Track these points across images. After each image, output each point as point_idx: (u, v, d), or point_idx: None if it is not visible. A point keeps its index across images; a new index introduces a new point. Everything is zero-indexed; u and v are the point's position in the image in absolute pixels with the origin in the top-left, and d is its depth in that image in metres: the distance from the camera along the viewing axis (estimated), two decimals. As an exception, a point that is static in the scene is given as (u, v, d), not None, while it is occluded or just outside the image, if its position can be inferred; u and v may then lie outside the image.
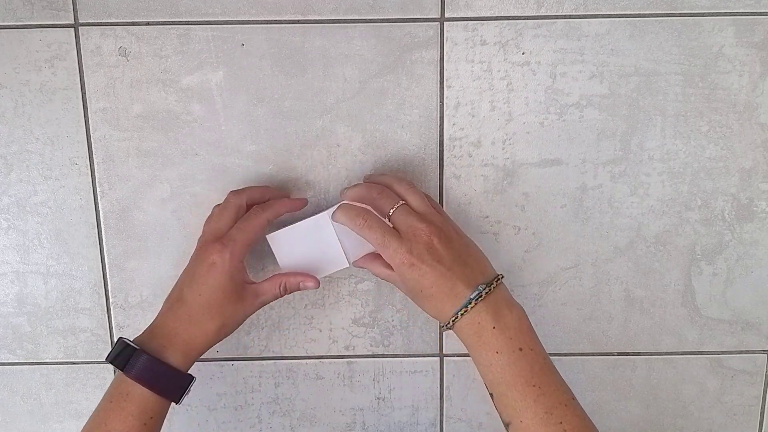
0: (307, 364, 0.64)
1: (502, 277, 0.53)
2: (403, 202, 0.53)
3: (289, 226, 0.56)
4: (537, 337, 0.52)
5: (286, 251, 0.56)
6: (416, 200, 0.54)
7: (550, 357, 0.50)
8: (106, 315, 0.62)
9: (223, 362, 0.64)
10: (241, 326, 0.62)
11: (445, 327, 0.52)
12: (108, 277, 0.61)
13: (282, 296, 0.56)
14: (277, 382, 0.64)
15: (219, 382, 0.64)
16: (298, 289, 0.56)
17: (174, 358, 0.52)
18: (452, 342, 0.63)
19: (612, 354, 0.64)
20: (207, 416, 0.65)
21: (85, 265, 0.61)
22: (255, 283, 0.56)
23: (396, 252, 0.51)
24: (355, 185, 0.56)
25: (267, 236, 0.56)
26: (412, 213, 0.53)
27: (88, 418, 0.52)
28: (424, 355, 0.64)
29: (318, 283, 0.56)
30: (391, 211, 0.53)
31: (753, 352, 0.64)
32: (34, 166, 0.59)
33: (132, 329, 0.62)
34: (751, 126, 0.59)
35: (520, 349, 0.51)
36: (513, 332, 0.51)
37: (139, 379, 0.51)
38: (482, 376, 0.52)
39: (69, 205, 0.60)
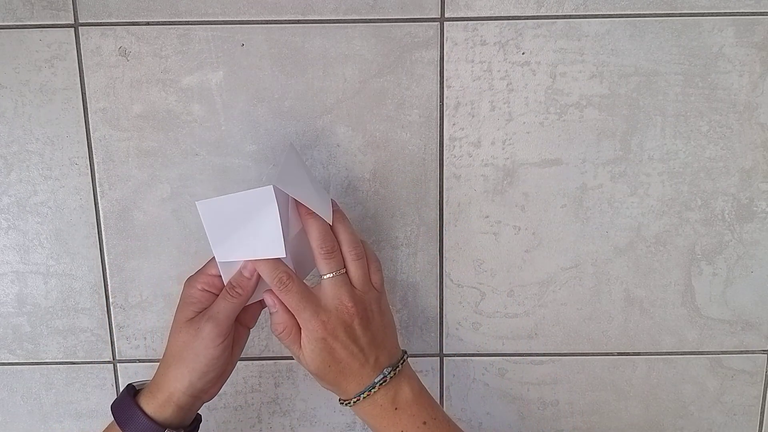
0: (307, 364, 0.64)
1: (407, 355, 0.54)
2: (344, 270, 0.51)
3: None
4: (437, 404, 0.54)
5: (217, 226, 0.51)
6: (357, 273, 0.52)
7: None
8: (106, 315, 0.62)
9: (223, 362, 0.64)
10: (241, 326, 0.63)
11: (343, 403, 0.52)
12: (108, 277, 0.62)
13: (233, 296, 0.51)
14: (277, 382, 0.64)
15: (219, 382, 0.64)
16: (244, 279, 0.51)
17: (144, 400, 0.51)
18: (452, 342, 0.63)
19: (612, 354, 0.64)
20: (207, 416, 0.65)
21: (85, 265, 0.61)
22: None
23: (309, 321, 0.50)
24: (317, 219, 0.52)
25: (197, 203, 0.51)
26: (346, 285, 0.51)
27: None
28: (424, 355, 0.64)
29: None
30: (326, 276, 0.51)
31: (753, 352, 0.64)
32: (34, 166, 0.59)
33: (132, 329, 0.62)
34: (751, 126, 0.59)
35: (424, 423, 0.52)
36: (414, 409, 0.52)
37: (114, 417, 0.51)
38: None
39: (69, 205, 0.60)
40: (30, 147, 0.59)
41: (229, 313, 0.51)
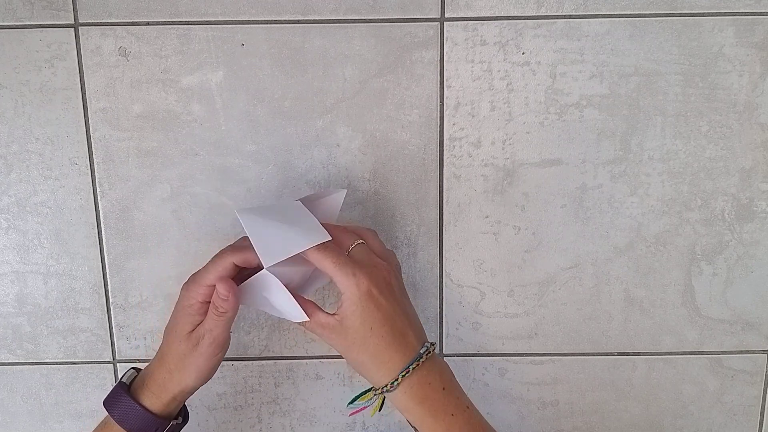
0: (307, 364, 0.64)
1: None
2: (362, 241, 0.52)
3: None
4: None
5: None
6: (375, 242, 0.53)
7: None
8: (106, 315, 0.62)
9: (223, 362, 0.64)
10: (240, 326, 0.63)
11: (387, 387, 0.49)
12: (108, 277, 0.62)
13: (217, 315, 0.50)
14: (277, 382, 0.64)
15: (219, 382, 0.64)
16: (222, 301, 0.50)
17: (148, 400, 0.52)
18: (452, 342, 0.63)
19: (612, 354, 0.64)
20: (207, 416, 0.65)
21: (85, 265, 0.61)
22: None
23: (354, 275, 0.48)
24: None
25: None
26: (372, 252, 0.52)
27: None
28: (424, 355, 0.64)
29: (227, 287, 0.50)
30: (351, 246, 0.51)
31: (753, 352, 0.64)
32: (34, 166, 0.59)
33: (132, 329, 0.62)
34: (751, 126, 0.59)
35: (467, 407, 0.50)
36: (458, 391, 0.51)
37: (110, 414, 0.52)
38: None
39: (69, 205, 0.60)
40: (30, 147, 0.59)
41: (222, 329, 0.51)
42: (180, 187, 0.60)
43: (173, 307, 0.54)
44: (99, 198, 0.60)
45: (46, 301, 0.62)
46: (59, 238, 0.61)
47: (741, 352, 0.64)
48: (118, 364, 0.64)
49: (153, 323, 0.62)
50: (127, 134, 0.59)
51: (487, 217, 0.61)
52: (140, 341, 0.63)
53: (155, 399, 0.52)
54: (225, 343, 0.52)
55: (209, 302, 0.51)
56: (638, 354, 0.64)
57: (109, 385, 0.64)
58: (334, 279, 0.49)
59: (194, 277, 0.52)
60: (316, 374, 0.64)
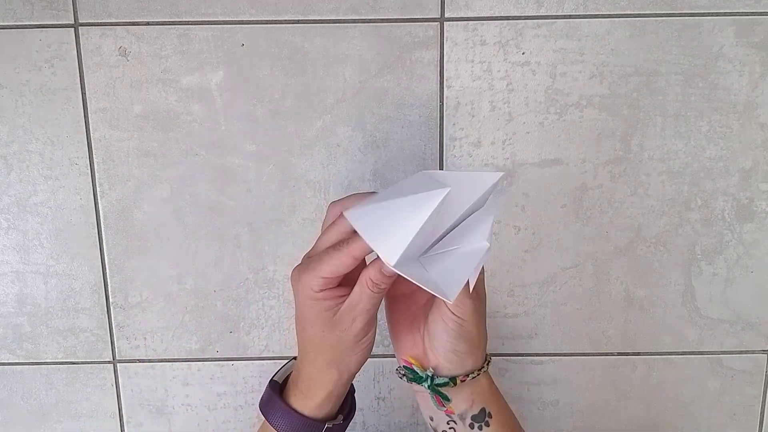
0: (307, 364, 0.64)
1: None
2: None
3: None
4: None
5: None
6: None
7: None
8: (106, 315, 0.62)
9: (223, 362, 0.64)
10: (240, 326, 0.63)
11: (484, 367, 0.49)
12: (108, 277, 0.62)
13: (376, 292, 0.46)
14: (277, 382, 0.64)
15: (219, 382, 0.64)
16: (385, 277, 0.46)
17: (304, 406, 0.49)
18: (452, 342, 0.63)
19: (612, 354, 0.64)
20: (207, 416, 0.65)
21: (85, 265, 0.61)
22: (346, 295, 0.47)
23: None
24: None
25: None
26: None
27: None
28: (424, 355, 0.64)
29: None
30: None
31: (753, 352, 0.64)
32: (34, 166, 0.59)
33: (132, 329, 0.62)
34: (751, 126, 0.59)
35: None
36: None
37: (263, 414, 0.50)
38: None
39: (69, 205, 0.60)
40: (30, 147, 0.59)
41: (376, 303, 0.47)
42: (180, 187, 0.60)
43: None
44: (99, 198, 0.60)
45: (46, 301, 0.62)
46: (59, 238, 0.61)
47: (741, 352, 0.64)
48: (118, 364, 0.64)
49: (153, 323, 0.62)
50: (127, 134, 0.59)
51: (487, 217, 0.61)
52: (140, 341, 0.63)
53: (307, 400, 0.49)
54: (376, 317, 0.48)
55: (329, 288, 0.46)
56: (638, 354, 0.64)
57: (110, 386, 0.64)
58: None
59: (310, 267, 0.46)
60: (316, 374, 0.64)
